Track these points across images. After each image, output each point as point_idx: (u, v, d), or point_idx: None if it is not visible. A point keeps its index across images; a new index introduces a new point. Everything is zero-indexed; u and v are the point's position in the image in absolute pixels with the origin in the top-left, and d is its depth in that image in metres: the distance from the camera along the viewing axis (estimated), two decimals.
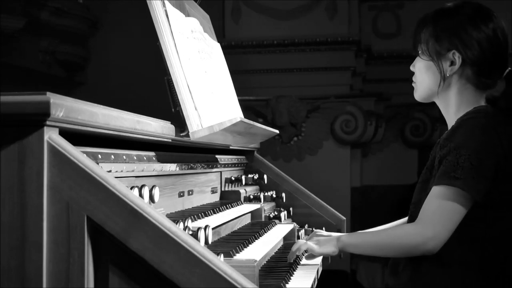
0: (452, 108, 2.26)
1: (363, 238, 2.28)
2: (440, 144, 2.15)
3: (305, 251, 2.42)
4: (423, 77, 2.30)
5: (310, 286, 2.16)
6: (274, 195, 3.34)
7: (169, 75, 2.24)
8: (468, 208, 2.06)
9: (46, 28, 5.33)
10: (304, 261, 2.48)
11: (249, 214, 2.91)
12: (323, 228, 3.24)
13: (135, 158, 1.86)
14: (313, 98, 6.30)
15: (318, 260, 2.50)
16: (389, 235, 2.21)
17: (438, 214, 2.05)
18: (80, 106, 1.45)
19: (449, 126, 2.29)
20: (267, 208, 3.15)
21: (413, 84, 2.37)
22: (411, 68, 2.37)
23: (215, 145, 2.69)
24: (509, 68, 2.27)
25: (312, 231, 3.13)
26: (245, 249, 2.20)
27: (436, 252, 2.06)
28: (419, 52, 2.31)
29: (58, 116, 1.36)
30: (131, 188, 1.68)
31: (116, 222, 1.36)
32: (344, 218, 3.40)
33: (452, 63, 2.22)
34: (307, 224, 3.27)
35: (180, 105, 2.23)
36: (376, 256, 2.33)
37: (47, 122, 1.35)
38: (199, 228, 1.86)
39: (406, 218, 2.61)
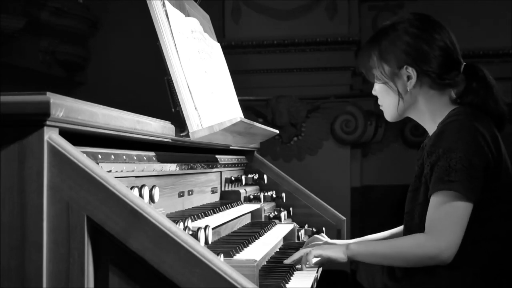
0: (427, 117, 2.28)
1: (374, 248, 2.22)
2: (427, 151, 2.14)
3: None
4: (386, 100, 2.32)
5: (310, 286, 2.16)
6: (274, 195, 3.34)
7: (169, 75, 2.25)
8: (470, 208, 2.04)
9: (46, 28, 5.33)
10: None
11: (249, 214, 2.91)
12: (323, 229, 3.24)
13: (135, 158, 1.86)
14: (313, 98, 6.30)
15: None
16: (402, 246, 2.14)
17: (446, 222, 2.03)
18: (80, 106, 1.45)
19: (430, 133, 2.29)
20: (267, 208, 3.15)
21: (380, 108, 2.38)
22: (373, 92, 2.39)
23: (215, 145, 2.69)
24: (464, 63, 2.28)
25: (312, 231, 3.13)
26: (245, 249, 2.20)
27: (450, 262, 2.04)
28: (373, 77, 2.33)
29: (58, 116, 1.36)
30: (131, 188, 1.68)
31: (116, 222, 1.36)
32: (344, 218, 3.40)
33: (409, 78, 2.23)
34: (307, 224, 3.27)
35: (180, 105, 2.23)
36: None
37: (47, 122, 1.35)
38: (199, 228, 1.86)
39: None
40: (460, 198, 2.03)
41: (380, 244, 2.26)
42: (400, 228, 2.64)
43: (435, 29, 2.25)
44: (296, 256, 2.35)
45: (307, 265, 2.30)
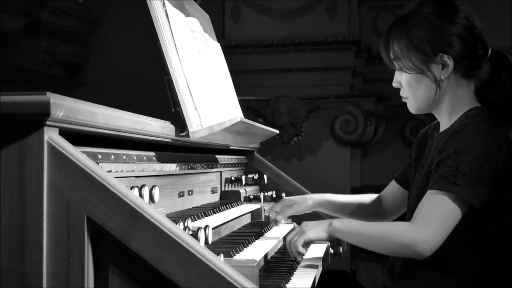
0: (446, 109, 2.20)
1: (355, 228, 2.17)
2: (438, 149, 2.08)
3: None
4: (417, 92, 2.19)
5: (310, 286, 2.16)
6: (274, 195, 3.34)
7: (169, 75, 2.25)
8: (463, 214, 2.01)
9: (46, 28, 5.32)
10: (304, 262, 2.47)
11: (249, 214, 2.91)
12: None
13: (135, 158, 1.86)
14: (313, 98, 6.30)
15: (318, 260, 2.49)
16: (382, 229, 2.11)
17: (434, 218, 1.99)
18: (80, 106, 1.45)
19: (442, 126, 2.25)
20: (267, 208, 3.14)
21: (404, 100, 2.26)
22: (394, 85, 2.26)
23: (215, 145, 2.70)
24: (490, 49, 2.21)
25: None
26: (245, 249, 2.20)
27: (425, 257, 1.98)
28: (400, 67, 2.20)
29: (58, 116, 1.36)
30: (131, 188, 1.67)
31: (116, 222, 1.36)
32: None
33: (444, 66, 2.14)
34: None
35: (180, 105, 2.23)
36: (375, 255, 2.29)
37: (47, 122, 1.35)
38: (199, 228, 1.86)
39: (375, 195, 2.63)
40: (458, 201, 1.99)
41: (363, 224, 2.21)
42: (367, 196, 2.65)
43: (463, 11, 2.17)
44: (289, 237, 2.31)
45: (300, 258, 2.30)
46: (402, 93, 2.26)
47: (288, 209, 2.66)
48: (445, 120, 2.23)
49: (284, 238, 2.82)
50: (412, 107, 2.26)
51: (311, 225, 2.27)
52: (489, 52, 2.20)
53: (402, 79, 2.23)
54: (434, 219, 1.99)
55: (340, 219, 2.28)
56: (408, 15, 2.19)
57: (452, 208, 1.99)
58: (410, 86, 2.21)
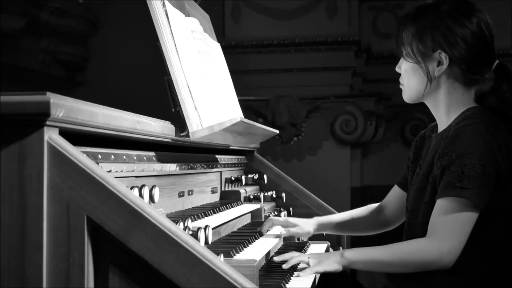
0: (442, 108, 2.21)
1: (371, 255, 2.15)
2: (439, 153, 2.09)
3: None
4: (410, 80, 2.24)
5: (310, 286, 2.16)
6: (274, 195, 3.34)
7: (169, 75, 2.25)
8: (476, 216, 2.02)
9: (46, 28, 5.32)
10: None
11: (249, 214, 2.91)
12: None
13: (135, 158, 1.86)
14: (313, 98, 6.30)
15: None
16: (402, 251, 2.10)
17: (451, 227, 2.00)
18: (80, 106, 1.45)
19: (440, 126, 2.25)
20: (267, 208, 3.15)
21: (400, 86, 2.31)
22: (397, 69, 2.31)
23: (215, 145, 2.70)
24: (497, 61, 2.22)
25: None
26: (245, 249, 2.20)
27: (451, 266, 2.02)
28: (404, 53, 2.24)
29: (58, 116, 1.36)
30: (131, 188, 1.68)
31: (116, 222, 1.36)
32: None
33: (439, 63, 2.16)
34: None
35: (180, 105, 2.23)
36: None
37: (47, 122, 1.35)
38: (199, 228, 1.86)
39: (375, 205, 2.65)
40: (468, 206, 2.00)
41: (377, 250, 2.17)
42: (364, 208, 2.66)
43: (479, 18, 2.16)
44: (293, 262, 2.26)
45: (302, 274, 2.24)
46: (400, 79, 2.31)
47: (292, 228, 2.65)
48: (442, 119, 2.24)
49: (285, 238, 2.83)
50: (405, 95, 2.31)
51: (319, 257, 2.24)
52: (495, 64, 2.21)
53: (402, 66, 2.28)
54: (451, 229, 2.01)
55: (350, 249, 2.24)
56: (427, 8, 2.21)
57: (465, 213, 2.00)
58: (406, 74, 2.26)
